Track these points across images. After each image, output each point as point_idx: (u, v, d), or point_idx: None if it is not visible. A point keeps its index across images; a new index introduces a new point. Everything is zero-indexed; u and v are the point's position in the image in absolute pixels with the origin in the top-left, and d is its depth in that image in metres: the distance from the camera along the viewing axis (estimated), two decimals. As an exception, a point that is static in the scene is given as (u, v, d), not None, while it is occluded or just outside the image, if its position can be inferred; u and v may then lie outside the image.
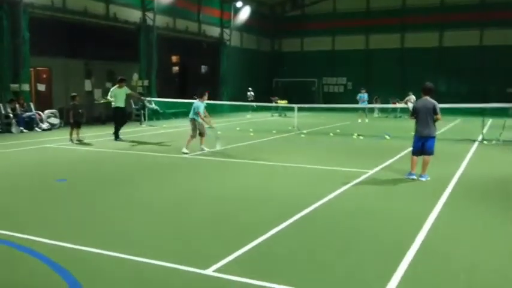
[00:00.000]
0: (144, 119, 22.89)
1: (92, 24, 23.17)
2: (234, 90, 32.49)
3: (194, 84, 27.36)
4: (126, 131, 16.06)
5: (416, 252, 5.33)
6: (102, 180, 9.56)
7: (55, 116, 20.11)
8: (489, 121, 21.36)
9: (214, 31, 32.51)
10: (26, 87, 19.78)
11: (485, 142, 15.50)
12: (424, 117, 9.37)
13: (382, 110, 29.71)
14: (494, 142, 15.48)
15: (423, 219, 6.59)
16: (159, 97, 25.31)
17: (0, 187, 8.80)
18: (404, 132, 16.38)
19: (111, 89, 16.09)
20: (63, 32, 21.69)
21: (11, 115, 18.36)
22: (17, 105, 18.78)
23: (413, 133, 9.68)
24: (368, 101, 27.57)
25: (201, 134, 13.24)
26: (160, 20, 27.04)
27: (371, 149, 14.37)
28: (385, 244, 5.64)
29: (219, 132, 14.08)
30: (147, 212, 7.05)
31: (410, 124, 9.90)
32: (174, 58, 32.09)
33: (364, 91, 27.31)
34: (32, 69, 21.09)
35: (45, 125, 19.34)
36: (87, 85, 24.14)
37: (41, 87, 22.16)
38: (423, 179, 9.34)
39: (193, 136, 13.14)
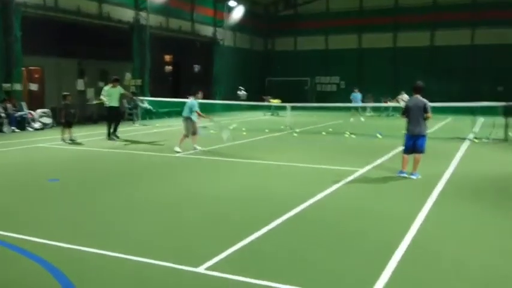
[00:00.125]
0: (137, 119, 22.87)
1: (85, 23, 23.09)
2: (227, 89, 32.50)
3: (187, 84, 27.35)
4: (119, 130, 16.04)
5: (405, 250, 5.39)
6: (94, 179, 9.57)
7: (47, 116, 20.04)
8: (480, 120, 21.55)
9: (207, 30, 32.51)
10: (18, 86, 19.70)
11: (476, 140, 15.64)
12: (415, 116, 9.46)
13: (374, 109, 29.85)
14: (484, 140, 15.63)
15: (413, 217, 6.66)
16: (152, 96, 25.27)
17: (-8, 187, 8.80)
18: (396, 131, 16.43)
19: (105, 88, 16.08)
20: (56, 31, 21.60)
21: (3, 115, 18.26)
22: (9, 105, 18.70)
23: (404, 132, 9.77)
24: (362, 100, 27.71)
25: (194, 133, 13.27)
26: (154, 20, 27.00)
27: (363, 147, 14.46)
28: (375, 242, 5.71)
29: (222, 123, 14.07)
30: (139, 211, 7.08)
31: (402, 123, 9.99)
32: (167, 57, 32.03)
33: (357, 90, 27.45)
34: (24, 68, 21.01)
35: (37, 125, 19.28)
36: (80, 84, 24.06)
37: (33, 87, 22.07)
38: (414, 177, 9.43)
39: (186, 135, 13.18)
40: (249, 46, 38.30)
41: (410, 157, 9.61)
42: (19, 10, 19.43)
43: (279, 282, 4.49)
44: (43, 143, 14.91)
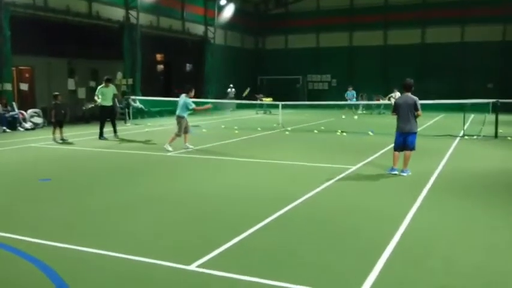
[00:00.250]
0: (129, 118, 22.82)
1: (75, 22, 22.98)
2: (219, 88, 32.49)
3: (179, 83, 27.30)
4: (110, 129, 16.01)
5: (395, 247, 5.43)
6: (85, 179, 9.55)
7: (38, 116, 19.94)
8: (471, 117, 21.70)
9: (198, 29, 32.46)
10: (8, 86, 19.61)
11: (466, 137, 15.77)
12: (405, 113, 9.53)
13: (366, 107, 29.99)
14: (475, 137, 15.76)
15: (403, 214, 6.72)
16: (143, 95, 25.22)
17: (-17, 187, 8.76)
18: (387, 129, 16.53)
19: (98, 88, 16.11)
20: (46, 31, 21.47)
21: (-6, 115, 18.20)
22: (0, 105, 18.60)
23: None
24: (356, 98, 27.90)
25: (186, 132, 13.26)
26: (144, 18, 26.91)
27: (354, 145, 14.53)
28: (365, 239, 5.76)
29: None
30: (131, 210, 7.08)
31: (393, 120, 10.05)
32: (159, 56, 31.96)
33: (351, 88, 27.62)
34: (14, 68, 20.89)
35: (28, 125, 19.18)
36: (71, 84, 23.96)
37: (24, 87, 21.95)
38: (405, 174, 9.50)
39: (178, 135, 13.14)
40: (240, 44, 38.29)
41: (401, 154, 9.68)
42: (8, 9, 19.32)
43: (270, 279, 4.52)
44: (34, 143, 14.85)
